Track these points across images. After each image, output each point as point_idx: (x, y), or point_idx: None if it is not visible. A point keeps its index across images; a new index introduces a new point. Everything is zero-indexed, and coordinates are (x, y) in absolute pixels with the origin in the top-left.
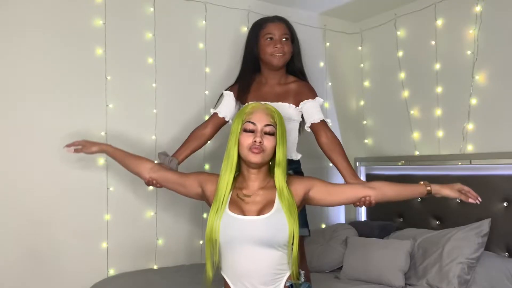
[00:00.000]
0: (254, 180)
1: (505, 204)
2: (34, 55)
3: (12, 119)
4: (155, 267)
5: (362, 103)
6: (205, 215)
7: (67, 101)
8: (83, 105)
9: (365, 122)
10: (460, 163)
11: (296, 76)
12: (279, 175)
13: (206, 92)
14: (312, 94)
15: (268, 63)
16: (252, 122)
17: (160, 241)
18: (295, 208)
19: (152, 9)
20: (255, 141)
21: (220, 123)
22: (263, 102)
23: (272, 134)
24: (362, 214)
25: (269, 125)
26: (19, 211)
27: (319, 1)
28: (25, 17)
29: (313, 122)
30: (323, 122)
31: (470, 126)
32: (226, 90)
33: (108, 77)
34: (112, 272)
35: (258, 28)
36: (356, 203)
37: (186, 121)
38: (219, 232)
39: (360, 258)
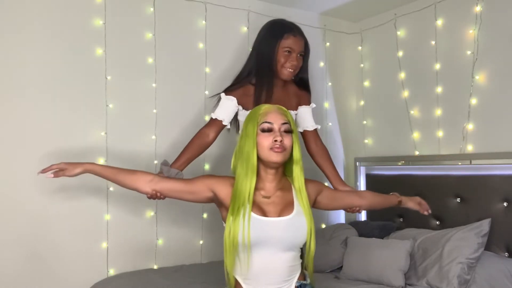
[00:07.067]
0: (272, 181)
1: (505, 204)
2: (34, 55)
3: (12, 119)
4: (155, 267)
5: (362, 103)
6: (205, 215)
7: (67, 101)
8: (83, 105)
9: (365, 122)
10: (460, 163)
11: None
12: (298, 173)
13: (206, 92)
14: (309, 100)
15: (278, 73)
16: (269, 122)
17: (160, 241)
18: (310, 208)
19: (152, 9)
20: (275, 140)
21: (221, 129)
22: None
23: (289, 132)
24: (362, 214)
25: (286, 123)
26: (19, 211)
27: (319, 1)
28: (25, 17)
29: (306, 129)
30: (315, 130)
31: (470, 126)
32: (226, 94)
33: (108, 77)
34: (112, 272)
35: (279, 37)
36: (348, 210)
37: (186, 121)
38: (249, 235)
39: (360, 258)
